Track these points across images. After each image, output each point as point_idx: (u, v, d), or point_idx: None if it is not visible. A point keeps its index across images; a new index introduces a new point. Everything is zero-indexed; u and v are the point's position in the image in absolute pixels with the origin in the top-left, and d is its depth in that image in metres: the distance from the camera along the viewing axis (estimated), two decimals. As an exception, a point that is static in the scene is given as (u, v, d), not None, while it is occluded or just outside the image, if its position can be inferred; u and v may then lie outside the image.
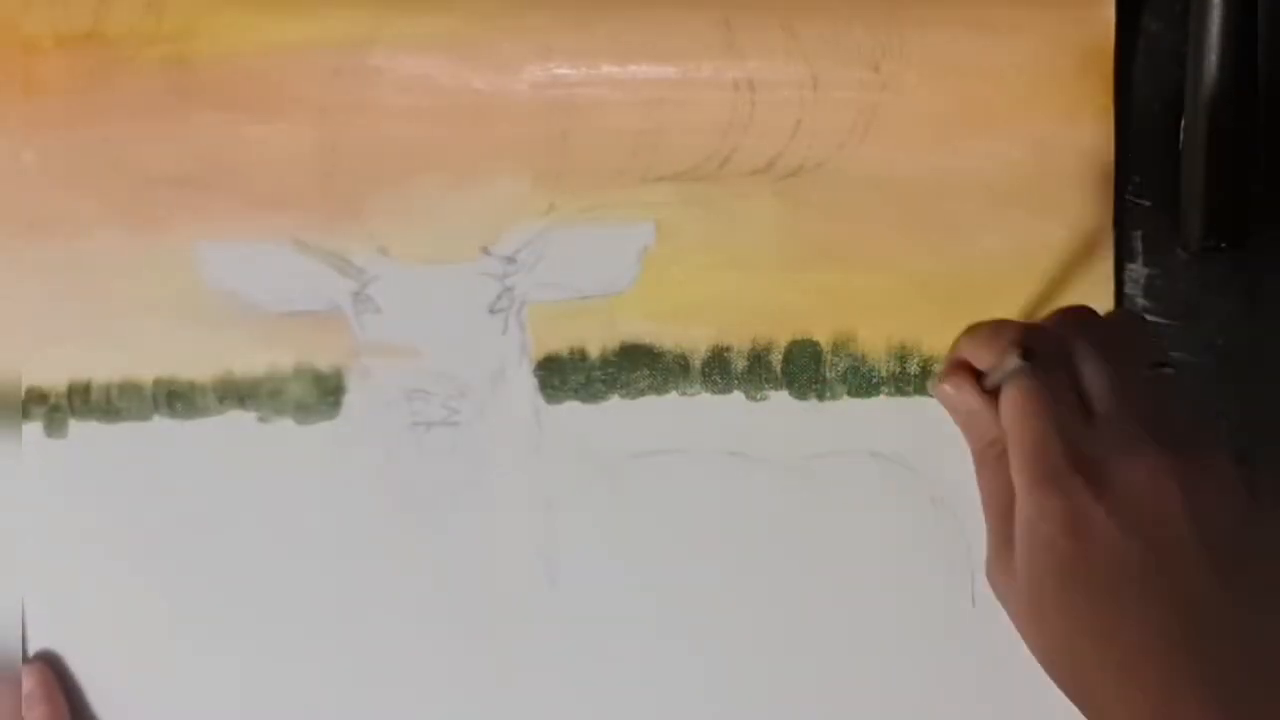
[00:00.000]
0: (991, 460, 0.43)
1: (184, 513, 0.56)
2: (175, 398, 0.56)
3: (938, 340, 0.53)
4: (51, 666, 0.56)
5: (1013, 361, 0.41)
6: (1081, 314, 0.43)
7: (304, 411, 0.55)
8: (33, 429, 0.56)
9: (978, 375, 0.45)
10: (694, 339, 0.54)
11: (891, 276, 0.53)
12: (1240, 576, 0.37)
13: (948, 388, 0.45)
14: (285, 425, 0.55)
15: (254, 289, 0.55)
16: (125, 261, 0.56)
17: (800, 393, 0.54)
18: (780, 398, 0.54)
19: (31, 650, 0.56)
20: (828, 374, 0.53)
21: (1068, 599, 0.38)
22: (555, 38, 0.54)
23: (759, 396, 0.54)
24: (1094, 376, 0.40)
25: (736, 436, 0.54)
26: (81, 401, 0.56)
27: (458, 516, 0.55)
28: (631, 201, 0.54)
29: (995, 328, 0.43)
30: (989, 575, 0.41)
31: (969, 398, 0.44)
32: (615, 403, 0.54)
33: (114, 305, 0.56)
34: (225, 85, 0.55)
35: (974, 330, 0.45)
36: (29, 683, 0.55)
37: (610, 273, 0.54)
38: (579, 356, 0.54)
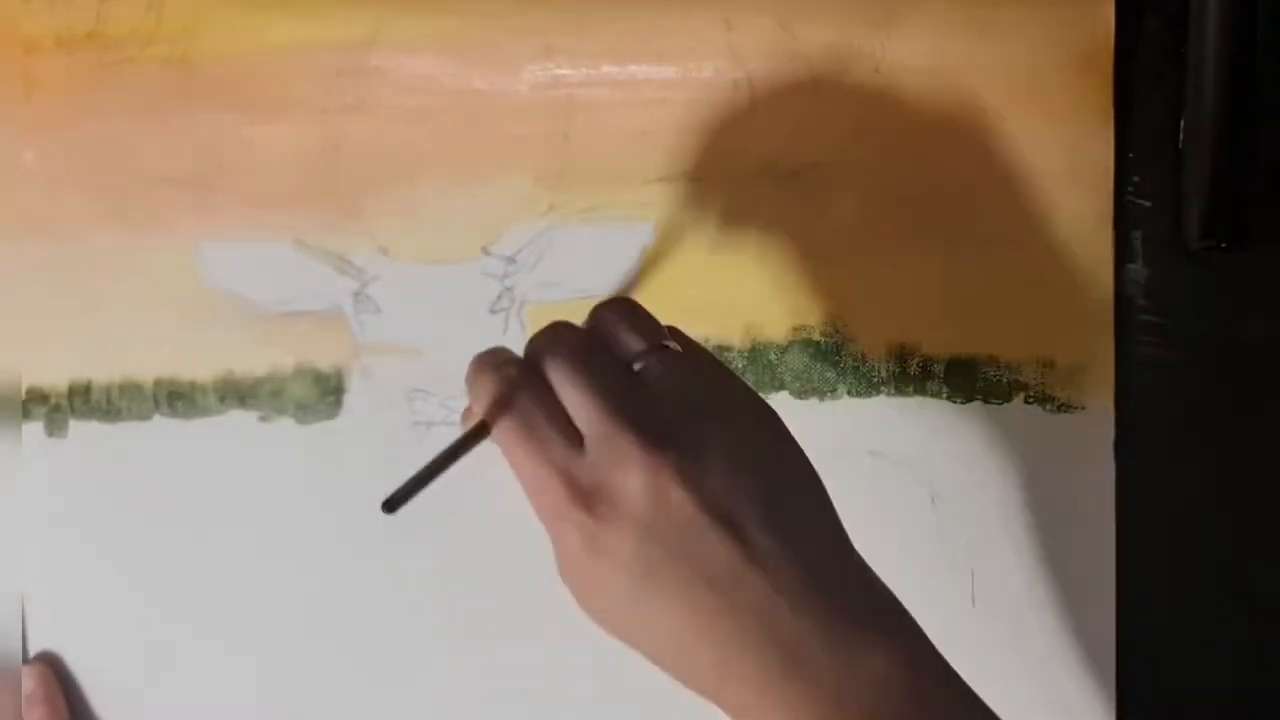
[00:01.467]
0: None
1: (184, 513, 0.56)
2: (176, 397, 0.56)
3: (938, 340, 0.53)
4: (52, 667, 0.56)
5: (469, 422, 0.42)
6: (555, 332, 0.42)
7: (304, 411, 0.55)
8: (33, 429, 0.56)
9: None
10: (694, 339, 0.54)
11: (891, 276, 0.53)
12: (766, 539, 0.38)
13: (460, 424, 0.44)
14: (286, 425, 0.55)
15: (254, 289, 0.55)
16: (125, 261, 0.56)
17: (800, 393, 0.54)
18: (780, 398, 0.54)
19: (32, 650, 0.56)
20: (827, 374, 0.53)
21: (613, 601, 0.39)
22: (555, 38, 0.54)
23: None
24: (571, 398, 0.40)
25: (736, 436, 0.54)
26: (82, 401, 0.56)
27: (458, 516, 0.55)
28: (631, 201, 0.54)
29: (477, 369, 0.42)
30: (561, 579, 0.42)
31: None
32: (615, 403, 0.54)
33: (114, 305, 0.56)
34: (226, 85, 0.55)
35: (469, 368, 0.43)
36: (29, 684, 0.55)
37: (610, 272, 0.54)
38: (579, 356, 0.54)
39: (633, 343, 0.41)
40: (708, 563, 0.37)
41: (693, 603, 0.37)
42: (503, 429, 0.40)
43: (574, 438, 0.39)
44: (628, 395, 0.40)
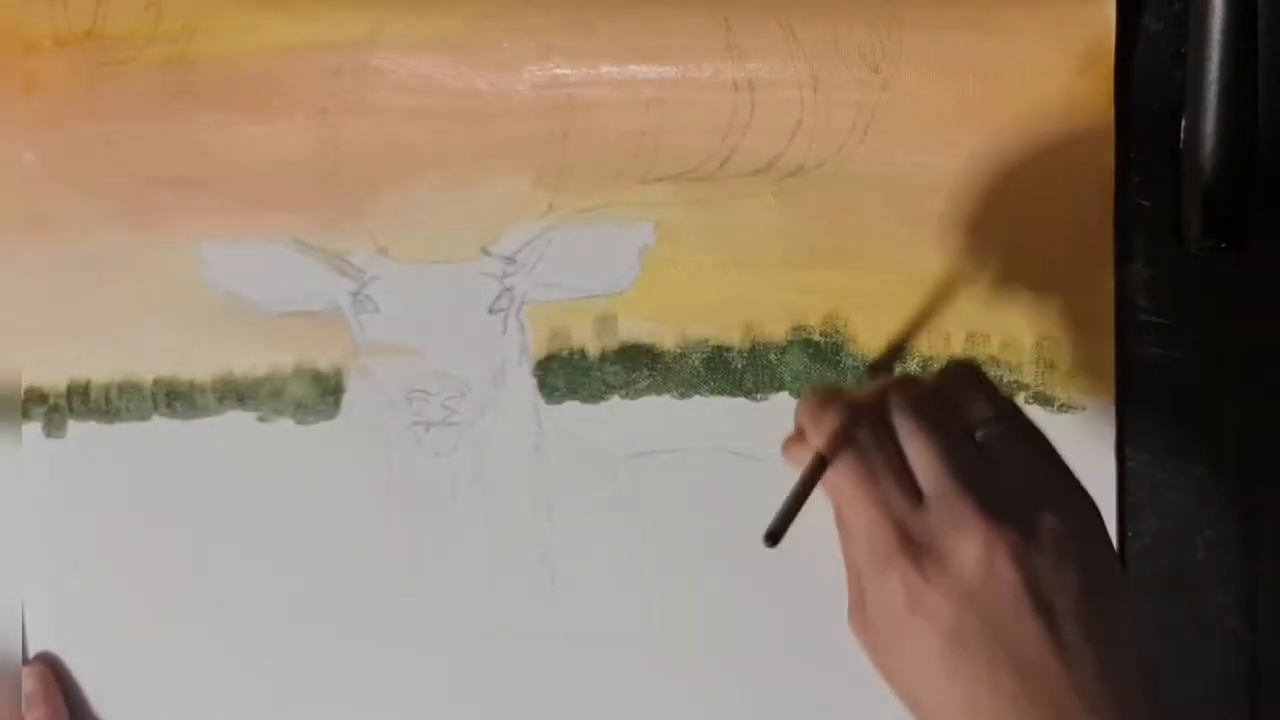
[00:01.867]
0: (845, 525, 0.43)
1: (184, 513, 0.56)
2: (175, 398, 0.56)
3: (937, 340, 0.53)
4: (51, 667, 0.56)
5: (797, 450, 0.42)
6: (906, 386, 0.42)
7: (303, 411, 0.55)
8: (32, 429, 0.56)
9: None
10: (694, 339, 0.54)
11: (891, 276, 0.53)
12: (1078, 637, 0.38)
13: (787, 458, 0.45)
14: (285, 425, 0.55)
15: (254, 289, 0.55)
16: (125, 261, 0.56)
17: (800, 392, 0.54)
18: (780, 398, 0.54)
19: (31, 650, 0.56)
20: (827, 374, 0.53)
21: (914, 657, 0.39)
22: (555, 38, 0.54)
23: (759, 396, 0.54)
24: (919, 455, 0.40)
25: (736, 436, 0.54)
26: (81, 401, 0.56)
27: (457, 516, 0.55)
28: (631, 201, 0.54)
29: (821, 402, 0.42)
30: (851, 623, 0.42)
31: (801, 464, 0.44)
32: (615, 403, 0.54)
33: (114, 305, 0.56)
34: (225, 85, 0.55)
35: (805, 398, 0.44)
36: (29, 684, 0.55)
37: (610, 273, 0.54)
38: (579, 356, 0.54)
39: (980, 410, 0.42)
40: (1018, 646, 0.37)
41: (995, 683, 0.37)
42: (842, 466, 0.40)
43: (913, 491, 0.40)
44: (972, 461, 0.40)
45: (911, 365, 0.53)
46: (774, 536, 0.40)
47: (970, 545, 0.38)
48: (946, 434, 0.40)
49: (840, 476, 0.41)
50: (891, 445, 0.40)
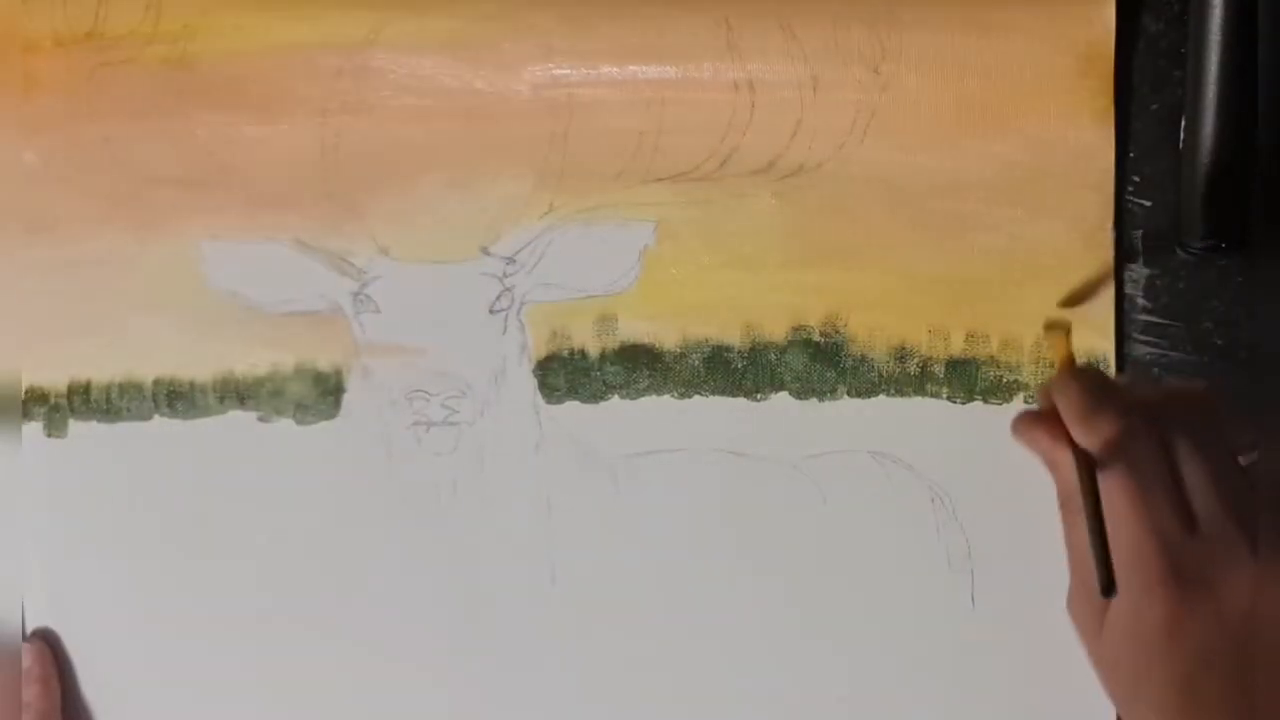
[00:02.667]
0: (1074, 511, 0.42)
1: (184, 512, 0.56)
2: (175, 397, 0.56)
3: (937, 340, 0.53)
4: (49, 645, 0.56)
5: (1087, 469, 0.40)
6: (1188, 399, 0.41)
7: (304, 411, 0.55)
8: (33, 429, 0.56)
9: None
10: (694, 339, 0.54)
11: (891, 276, 0.53)
12: None
13: (1017, 435, 0.43)
14: (285, 425, 0.55)
15: (254, 289, 0.55)
16: (125, 261, 0.56)
17: (800, 393, 0.54)
18: (780, 398, 0.54)
19: (31, 650, 0.56)
20: (827, 374, 0.53)
21: (1156, 690, 0.38)
22: (555, 38, 0.54)
23: (759, 396, 0.54)
24: (1194, 473, 0.39)
25: (736, 436, 0.54)
26: (81, 401, 0.56)
27: (457, 516, 0.55)
28: (631, 201, 0.54)
29: (1095, 401, 0.41)
30: (1069, 608, 0.41)
31: (1048, 449, 0.43)
32: (615, 403, 0.54)
33: (114, 305, 0.56)
34: (226, 85, 0.55)
35: (1069, 387, 0.42)
36: (25, 660, 0.55)
37: (610, 273, 0.54)
38: (579, 356, 0.54)
39: (1244, 435, 0.41)
40: (1250, 684, 0.37)
41: (1238, 713, 0.37)
42: (1115, 477, 0.39)
43: (1186, 515, 0.39)
44: (1245, 491, 0.39)
45: (912, 365, 0.53)
46: (1110, 586, 0.39)
47: (1240, 581, 0.37)
48: (1224, 460, 0.39)
49: (1112, 489, 0.39)
50: (1167, 463, 0.39)
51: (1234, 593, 0.37)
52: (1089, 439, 0.40)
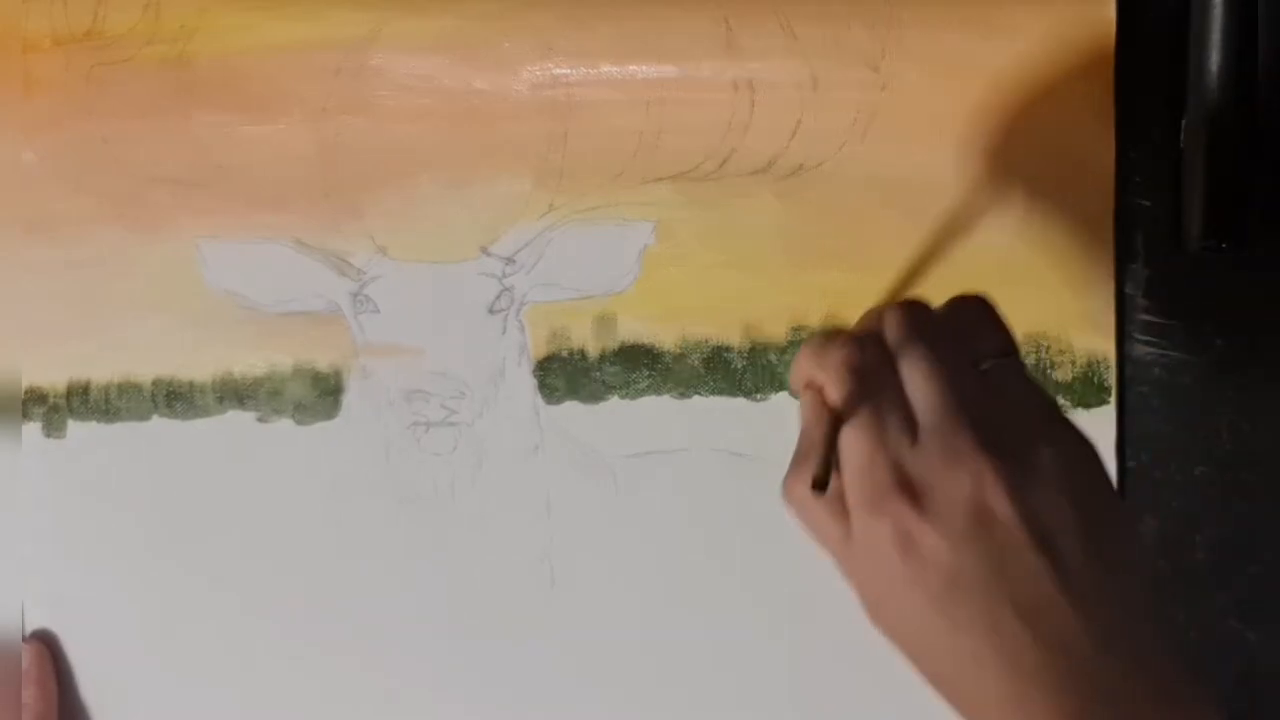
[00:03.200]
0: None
1: (183, 512, 0.56)
2: (175, 398, 0.55)
3: (938, 340, 0.53)
4: (48, 647, 0.55)
5: (815, 402, 0.40)
6: (912, 312, 0.40)
7: (303, 411, 0.55)
8: (32, 429, 0.56)
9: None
10: (694, 339, 0.54)
11: (891, 276, 0.53)
12: (1082, 572, 0.36)
13: (800, 402, 0.42)
14: (284, 425, 0.55)
15: (253, 289, 0.55)
16: (125, 261, 0.56)
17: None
18: (780, 398, 0.54)
19: (30, 651, 0.56)
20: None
21: (910, 606, 0.37)
22: (555, 38, 0.54)
23: (759, 396, 0.54)
24: (918, 387, 0.38)
25: (736, 436, 0.54)
26: (81, 401, 0.56)
27: (457, 516, 0.55)
28: (631, 201, 0.54)
29: (825, 338, 0.40)
30: (785, 487, 0.40)
31: (810, 414, 0.41)
32: (615, 403, 0.54)
33: (114, 305, 0.56)
34: (225, 85, 0.55)
35: (808, 345, 0.41)
36: (24, 661, 0.55)
37: (610, 273, 0.54)
38: (579, 356, 0.54)
39: (987, 343, 0.40)
40: (1020, 586, 0.35)
41: (996, 625, 0.35)
42: (846, 403, 0.38)
43: (911, 426, 0.38)
44: (973, 394, 0.38)
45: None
46: (821, 483, 0.38)
47: (965, 479, 0.36)
48: (947, 365, 0.38)
49: (845, 411, 0.38)
50: (896, 379, 0.38)
51: (961, 494, 0.36)
52: (826, 374, 0.39)
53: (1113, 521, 0.37)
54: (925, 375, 0.38)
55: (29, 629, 0.56)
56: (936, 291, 0.53)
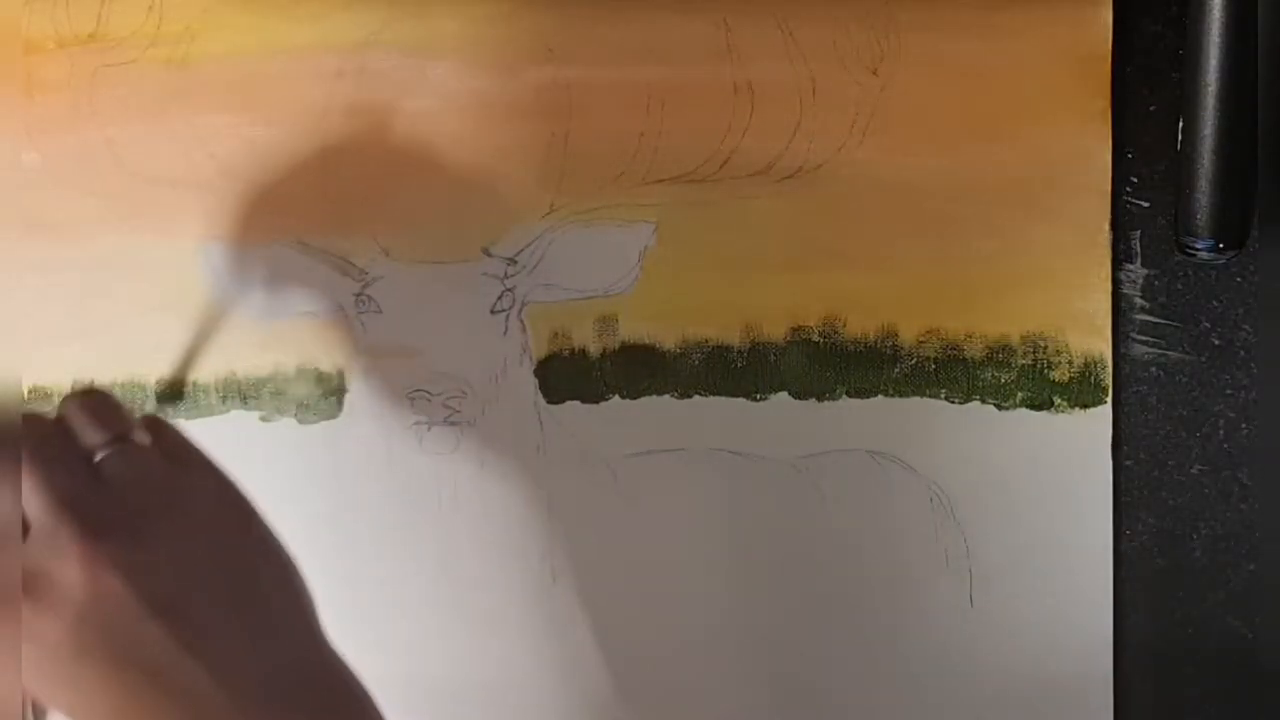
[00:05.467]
0: None
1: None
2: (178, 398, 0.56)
3: (935, 341, 0.53)
4: None
5: None
6: (28, 423, 0.42)
7: (306, 411, 0.55)
8: (36, 429, 0.56)
9: None
10: (694, 339, 0.54)
11: (890, 277, 0.53)
12: (217, 627, 0.39)
13: None
14: (287, 425, 0.56)
15: (256, 290, 0.55)
16: (127, 262, 0.56)
17: (799, 393, 0.54)
18: (780, 397, 0.54)
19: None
20: (826, 374, 0.54)
21: (48, 686, 0.39)
22: (556, 39, 0.54)
23: (758, 396, 0.54)
24: (27, 491, 0.40)
25: (736, 436, 0.54)
26: (84, 402, 0.56)
27: (458, 515, 0.55)
28: (632, 202, 0.54)
29: None
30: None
31: None
32: (615, 403, 0.54)
33: (116, 306, 0.56)
34: (227, 87, 0.55)
35: None
36: None
37: (611, 273, 0.54)
38: (579, 356, 0.54)
39: (94, 435, 0.42)
40: (144, 649, 0.39)
41: (127, 685, 0.39)
42: None
43: (26, 526, 0.40)
44: (78, 486, 0.41)
45: (910, 366, 0.53)
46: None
47: (71, 567, 0.39)
48: (52, 463, 0.41)
49: None
50: (9, 484, 0.40)
51: (70, 579, 0.39)
52: None
53: (258, 574, 0.42)
54: (30, 478, 0.40)
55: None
56: (936, 291, 0.53)
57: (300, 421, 0.56)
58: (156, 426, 0.45)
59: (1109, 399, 0.53)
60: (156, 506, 0.41)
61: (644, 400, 0.54)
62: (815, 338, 0.54)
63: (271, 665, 0.40)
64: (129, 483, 0.41)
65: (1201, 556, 0.53)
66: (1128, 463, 0.53)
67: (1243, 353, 0.53)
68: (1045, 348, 0.53)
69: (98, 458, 0.42)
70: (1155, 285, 0.53)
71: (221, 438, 0.56)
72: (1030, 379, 0.53)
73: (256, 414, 0.56)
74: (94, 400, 0.44)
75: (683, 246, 0.54)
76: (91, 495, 0.41)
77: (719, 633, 0.54)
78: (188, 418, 0.56)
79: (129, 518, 0.40)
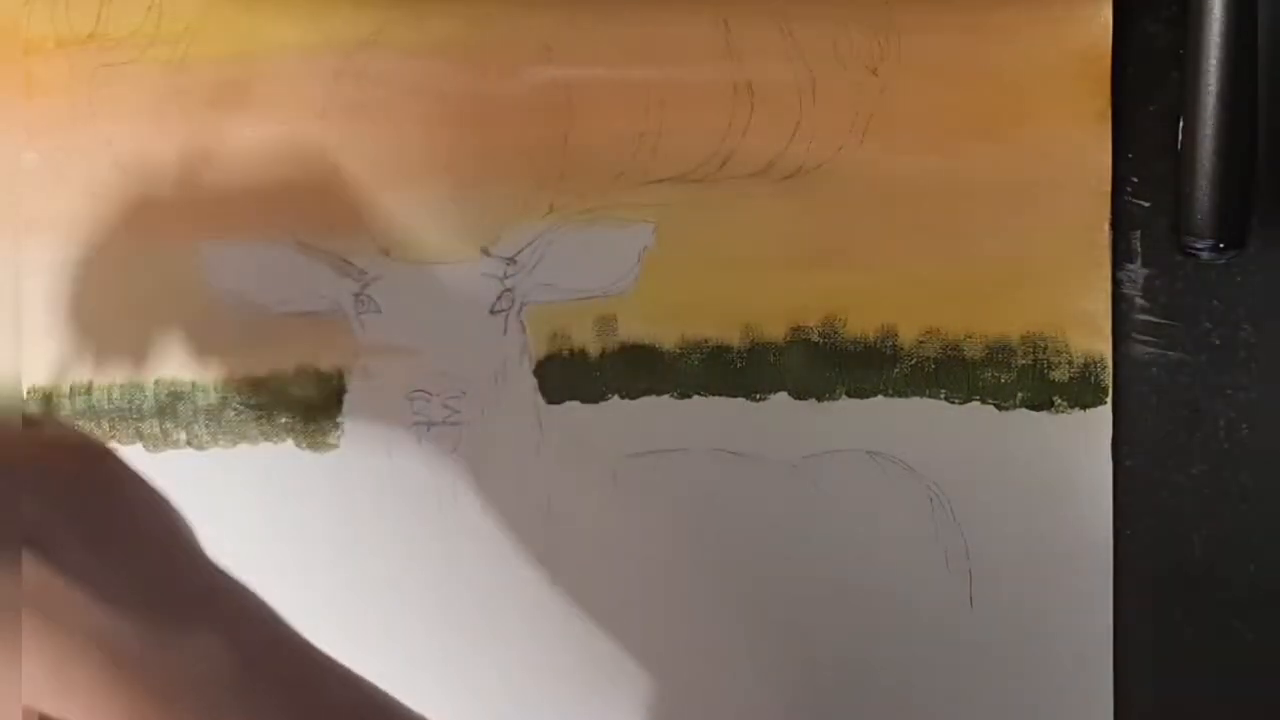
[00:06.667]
0: None
1: (185, 512, 0.56)
2: (177, 398, 0.56)
3: (935, 341, 0.53)
4: None
5: None
6: None
7: (305, 411, 0.55)
8: (35, 429, 0.56)
9: None
10: (693, 339, 0.54)
11: (890, 278, 0.53)
12: (78, 553, 0.38)
13: None
14: (287, 425, 0.56)
15: (255, 290, 0.55)
16: (126, 262, 0.56)
17: (799, 393, 0.54)
18: (780, 397, 0.54)
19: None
20: (826, 374, 0.54)
21: None
22: (555, 38, 0.54)
23: (758, 396, 0.54)
24: None
25: (736, 436, 0.54)
26: (83, 402, 0.56)
27: (458, 515, 0.55)
28: (631, 202, 0.54)
29: None
30: None
31: None
32: (615, 403, 0.54)
33: (115, 306, 0.56)
34: (227, 87, 0.55)
35: None
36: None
37: (610, 273, 0.54)
38: (579, 357, 0.54)
39: None
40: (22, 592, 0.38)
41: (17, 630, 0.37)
42: None
43: None
44: None
45: (910, 365, 0.53)
46: None
47: None
48: None
49: None
50: None
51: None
52: None
53: (105, 505, 0.40)
54: None
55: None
56: (936, 291, 0.53)
57: (300, 421, 0.56)
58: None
59: (1109, 399, 0.53)
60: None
61: (644, 400, 0.54)
62: (815, 338, 0.54)
63: (142, 573, 0.39)
64: None
65: (1202, 557, 0.53)
66: (1127, 463, 0.53)
67: (1243, 353, 0.53)
68: (1045, 348, 0.53)
69: None
70: (1155, 285, 0.53)
71: (220, 438, 0.56)
72: (1030, 379, 0.53)
73: (256, 414, 0.56)
74: None
75: (682, 247, 0.54)
76: None
77: (719, 633, 0.54)
78: (187, 418, 0.56)
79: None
